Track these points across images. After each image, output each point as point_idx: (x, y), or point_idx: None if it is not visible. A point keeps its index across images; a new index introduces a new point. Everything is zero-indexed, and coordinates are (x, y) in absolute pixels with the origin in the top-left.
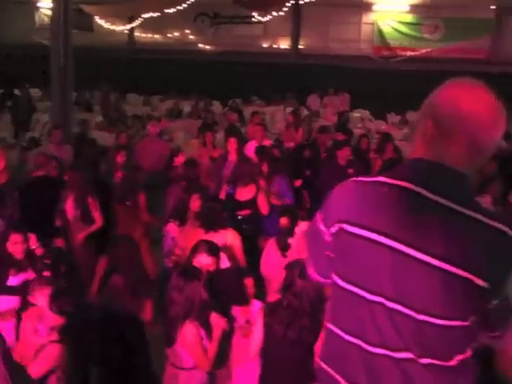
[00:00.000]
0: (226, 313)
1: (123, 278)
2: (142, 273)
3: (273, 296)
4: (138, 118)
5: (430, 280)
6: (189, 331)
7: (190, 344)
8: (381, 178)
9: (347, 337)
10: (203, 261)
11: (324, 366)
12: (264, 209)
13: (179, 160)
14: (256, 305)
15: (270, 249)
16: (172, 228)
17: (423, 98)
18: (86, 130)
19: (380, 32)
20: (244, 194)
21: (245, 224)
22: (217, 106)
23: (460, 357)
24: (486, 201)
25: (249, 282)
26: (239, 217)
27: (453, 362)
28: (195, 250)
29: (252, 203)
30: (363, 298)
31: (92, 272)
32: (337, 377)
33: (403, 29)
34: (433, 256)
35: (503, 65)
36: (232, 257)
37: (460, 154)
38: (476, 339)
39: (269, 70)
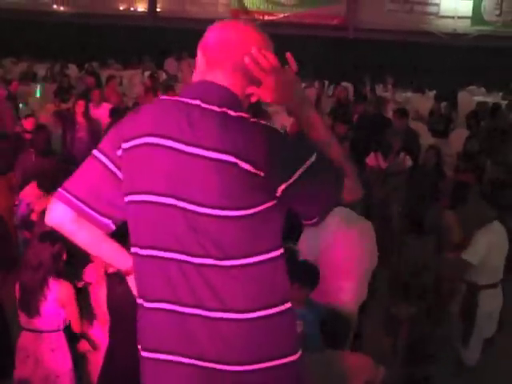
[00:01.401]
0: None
1: None
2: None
3: None
4: None
5: (209, 172)
6: (65, 289)
7: (69, 302)
8: (162, 97)
9: (145, 251)
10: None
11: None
12: None
13: (28, 124)
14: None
15: None
16: (27, 194)
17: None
18: None
19: None
20: None
21: None
22: (73, 70)
23: (262, 257)
24: None
25: None
26: None
27: (253, 260)
28: None
29: None
30: (156, 203)
31: None
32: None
33: None
34: (208, 149)
35: (358, 31)
36: None
37: (226, 77)
38: (278, 235)
39: (126, 32)
